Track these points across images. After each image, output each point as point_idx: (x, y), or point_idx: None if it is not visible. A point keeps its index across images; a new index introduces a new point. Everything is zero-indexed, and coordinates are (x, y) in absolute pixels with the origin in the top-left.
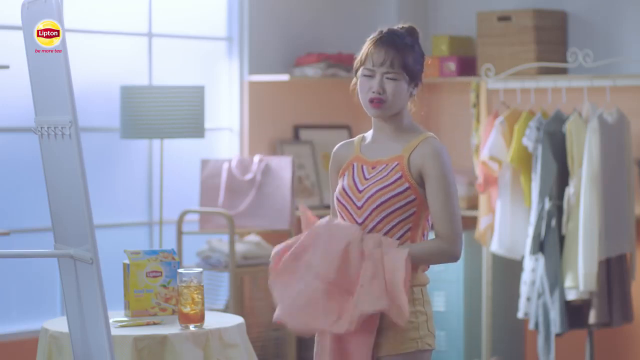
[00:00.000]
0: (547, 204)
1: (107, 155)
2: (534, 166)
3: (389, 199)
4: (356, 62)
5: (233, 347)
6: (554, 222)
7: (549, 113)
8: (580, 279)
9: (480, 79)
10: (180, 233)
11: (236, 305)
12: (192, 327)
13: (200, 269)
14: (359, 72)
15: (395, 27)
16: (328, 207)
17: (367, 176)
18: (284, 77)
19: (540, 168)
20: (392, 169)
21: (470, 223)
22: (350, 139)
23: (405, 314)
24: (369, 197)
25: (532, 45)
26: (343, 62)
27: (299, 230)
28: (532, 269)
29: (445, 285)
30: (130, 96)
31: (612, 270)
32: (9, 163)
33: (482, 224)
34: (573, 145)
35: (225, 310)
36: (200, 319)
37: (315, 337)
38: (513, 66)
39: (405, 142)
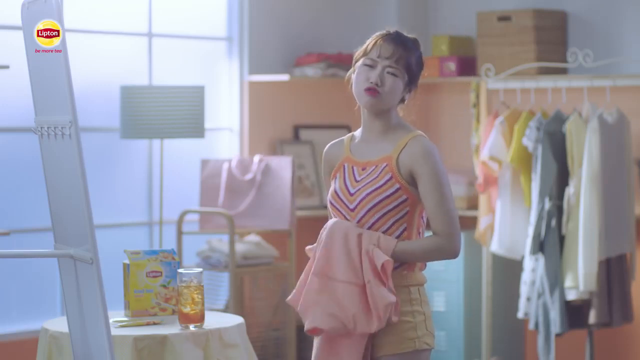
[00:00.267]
0: (547, 204)
1: (107, 155)
2: (534, 166)
3: (381, 200)
4: (358, 53)
5: (233, 347)
6: (554, 222)
7: (549, 113)
8: (580, 279)
9: (480, 79)
10: (180, 233)
11: (236, 305)
12: (192, 327)
13: (200, 269)
14: (359, 62)
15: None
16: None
17: (358, 178)
18: (284, 77)
19: (540, 168)
20: (382, 170)
21: (470, 223)
22: (340, 138)
23: (385, 298)
24: (361, 200)
25: (532, 45)
26: (343, 62)
27: (299, 230)
28: (532, 269)
29: (445, 285)
30: (130, 96)
31: (612, 270)
32: (9, 163)
33: (482, 224)
34: (573, 145)
35: (225, 310)
36: (200, 319)
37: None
38: (513, 66)
39: (394, 141)
